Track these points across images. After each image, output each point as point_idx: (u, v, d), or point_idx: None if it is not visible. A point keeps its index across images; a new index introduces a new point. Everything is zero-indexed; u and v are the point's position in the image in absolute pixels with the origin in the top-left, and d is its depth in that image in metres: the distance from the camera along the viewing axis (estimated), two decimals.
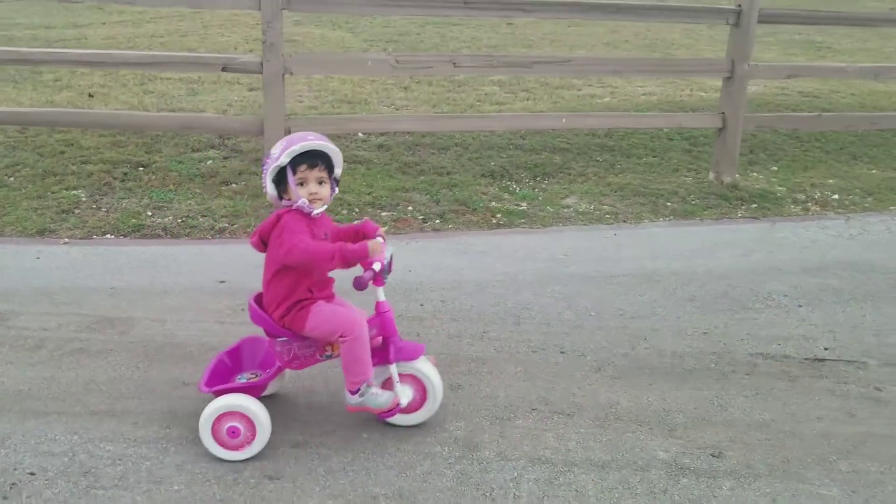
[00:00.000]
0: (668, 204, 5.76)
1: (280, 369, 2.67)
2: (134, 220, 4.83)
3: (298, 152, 2.48)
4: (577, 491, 2.46)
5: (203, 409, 2.52)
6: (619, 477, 2.54)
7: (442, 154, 6.40)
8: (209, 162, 5.81)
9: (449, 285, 4.06)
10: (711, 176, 6.18)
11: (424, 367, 2.70)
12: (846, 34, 14.12)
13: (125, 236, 4.68)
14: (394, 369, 2.64)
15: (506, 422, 2.81)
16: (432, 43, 11.17)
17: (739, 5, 5.67)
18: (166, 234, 4.74)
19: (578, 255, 4.63)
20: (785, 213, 5.77)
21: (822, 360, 3.41)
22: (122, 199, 5.15)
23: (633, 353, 3.41)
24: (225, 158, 5.91)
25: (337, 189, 2.63)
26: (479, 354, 3.34)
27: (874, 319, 3.86)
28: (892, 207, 6.01)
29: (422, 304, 3.85)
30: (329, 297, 2.64)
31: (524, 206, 5.55)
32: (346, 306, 2.67)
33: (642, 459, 2.63)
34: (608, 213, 5.51)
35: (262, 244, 2.58)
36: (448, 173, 6.01)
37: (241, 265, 4.22)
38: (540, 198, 5.73)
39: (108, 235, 4.68)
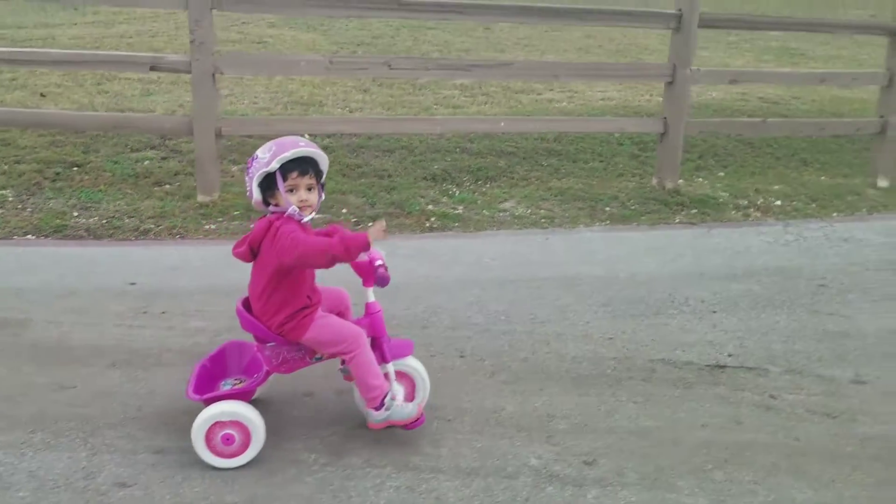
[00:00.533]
0: (607, 209, 5.73)
1: (268, 374, 2.62)
2: (58, 221, 4.78)
3: (289, 159, 2.43)
4: (436, 498, 2.42)
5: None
6: (483, 484, 2.50)
7: (386, 157, 6.37)
8: (146, 162, 5.76)
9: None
10: (654, 181, 6.15)
11: (413, 362, 2.75)
12: (823, 41, 14.14)
13: (47, 237, 4.63)
14: (391, 368, 2.63)
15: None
16: (405, 46, 11.13)
17: (680, 10, 5.65)
18: (89, 234, 4.69)
19: (504, 260, 4.60)
20: (725, 218, 5.75)
21: (723, 366, 3.38)
22: (50, 199, 5.10)
23: (532, 357, 3.37)
24: (163, 159, 5.86)
25: (324, 195, 2.59)
26: None
27: (786, 326, 3.83)
28: (834, 214, 6.00)
29: None
30: (320, 300, 2.62)
31: (460, 209, 5.52)
32: (329, 293, 2.66)
33: (512, 466, 2.60)
34: (544, 218, 5.48)
35: (251, 253, 2.52)
36: (389, 176, 5.97)
37: (155, 267, 4.18)
38: (478, 202, 5.70)
39: (30, 236, 4.63)
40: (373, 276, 2.54)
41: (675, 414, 2.99)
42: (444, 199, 5.68)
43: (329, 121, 5.94)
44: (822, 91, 9.93)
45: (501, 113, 7.71)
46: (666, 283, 4.32)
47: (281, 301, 2.49)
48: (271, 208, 2.52)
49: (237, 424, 2.47)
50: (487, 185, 6.03)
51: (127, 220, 4.87)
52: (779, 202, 6.13)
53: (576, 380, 3.21)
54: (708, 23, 5.76)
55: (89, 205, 5.04)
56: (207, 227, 4.87)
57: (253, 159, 2.48)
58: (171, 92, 7.77)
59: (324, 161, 2.55)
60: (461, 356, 3.38)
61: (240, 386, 2.65)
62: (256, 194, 2.50)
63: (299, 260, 2.42)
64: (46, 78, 8.07)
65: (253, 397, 2.72)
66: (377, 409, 2.54)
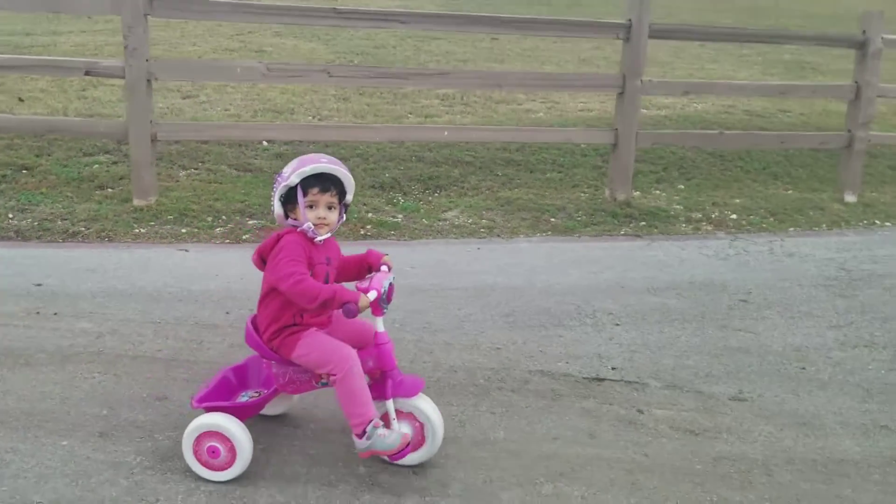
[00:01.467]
0: (552, 220, 5.67)
1: (276, 391, 2.61)
2: None
3: (309, 174, 2.43)
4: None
5: None
6: (300, 491, 2.47)
7: None
8: (95, 166, 5.84)
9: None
10: (607, 193, 6.08)
11: (423, 404, 2.58)
12: (841, 55, 13.84)
13: None
14: (390, 405, 2.51)
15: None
16: (404, 56, 11.11)
17: (629, 20, 5.59)
18: (17, 236, 4.77)
19: (426, 268, 4.57)
20: (673, 231, 5.66)
21: (602, 379, 3.31)
22: None
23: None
24: (113, 163, 5.94)
25: (345, 216, 2.57)
26: None
27: (687, 341, 3.74)
28: (790, 229, 5.88)
29: (227, 312, 3.82)
30: (324, 323, 2.57)
31: (400, 218, 5.51)
32: (353, 324, 2.60)
33: (337, 474, 2.56)
34: (484, 228, 5.44)
35: (262, 262, 2.53)
36: None
37: (69, 269, 4.23)
38: (422, 210, 5.68)
39: None
40: (379, 307, 2.47)
41: (531, 426, 2.93)
42: (388, 208, 5.67)
43: (265, 128, 5.94)
44: (817, 104, 9.76)
45: (475, 122, 7.69)
46: (580, 294, 4.25)
47: (272, 315, 2.49)
48: (289, 222, 2.51)
49: (222, 438, 2.44)
50: (436, 195, 6.01)
51: (59, 223, 4.94)
52: (734, 216, 6.01)
53: (443, 389, 3.16)
54: (658, 33, 5.69)
55: (26, 207, 5.12)
56: (137, 230, 4.92)
57: (279, 175, 2.48)
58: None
59: (348, 181, 2.51)
60: None
61: (250, 400, 2.62)
62: (278, 208, 2.50)
63: (291, 297, 2.41)
64: (34, 83, 8.26)
65: (273, 411, 2.75)
66: (359, 437, 2.44)
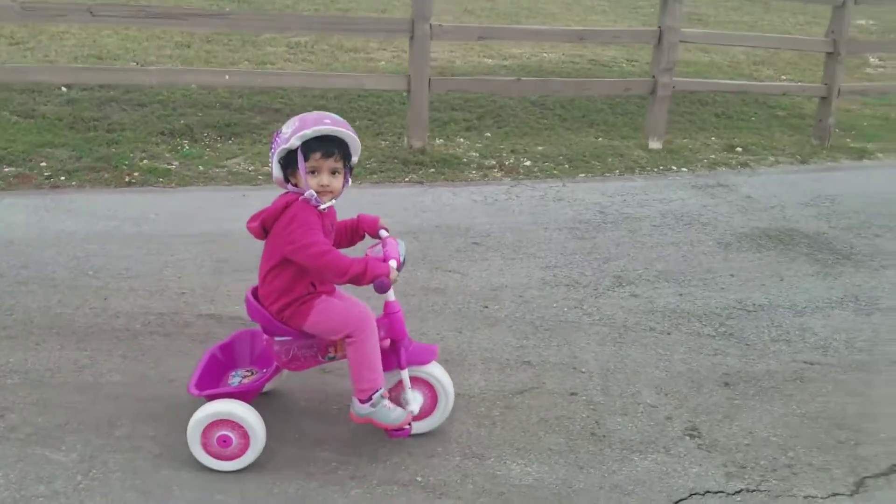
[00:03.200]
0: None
1: (277, 370, 2.45)
2: None
3: (311, 137, 2.22)
4: None
5: None
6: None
7: (135, 111, 6.20)
8: None
9: None
10: (406, 141, 6.03)
11: (436, 370, 2.50)
12: (734, 7, 13.89)
13: None
14: (405, 374, 2.42)
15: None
16: (284, 3, 10.56)
17: None
18: None
19: (169, 216, 4.48)
20: (460, 178, 5.64)
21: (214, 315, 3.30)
22: None
23: (67, 313, 3.27)
24: None
25: (350, 180, 2.37)
26: None
27: None
28: (581, 175, 5.91)
29: None
30: (330, 291, 2.42)
31: (175, 165, 5.38)
32: (351, 301, 2.45)
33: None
34: (262, 175, 5.35)
35: (263, 231, 2.32)
36: (122, 130, 5.82)
37: None
38: (204, 157, 5.56)
39: None
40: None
41: (135, 367, 2.91)
42: (167, 155, 5.54)
43: (28, 70, 5.69)
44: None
45: (312, 69, 7.54)
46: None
47: (283, 287, 2.31)
48: (290, 187, 2.32)
49: (234, 425, 2.30)
50: (229, 142, 5.90)
51: None
52: (528, 163, 6.02)
53: (85, 333, 3.11)
54: None
55: None
56: None
57: (277, 134, 2.28)
58: None
59: (354, 143, 2.30)
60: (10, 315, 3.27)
61: (249, 379, 2.48)
62: (276, 171, 2.30)
63: (315, 270, 2.26)
64: None
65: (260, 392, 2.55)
66: (362, 401, 2.34)
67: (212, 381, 2.45)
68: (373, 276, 2.22)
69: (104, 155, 5.35)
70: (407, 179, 5.54)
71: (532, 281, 3.88)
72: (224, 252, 3.98)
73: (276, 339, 2.35)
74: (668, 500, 2.38)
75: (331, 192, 2.29)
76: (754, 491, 2.43)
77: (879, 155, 6.98)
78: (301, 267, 2.27)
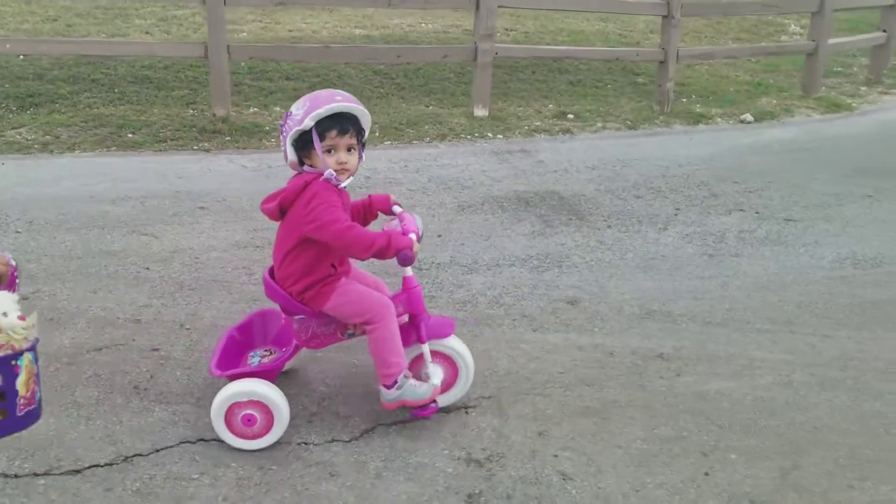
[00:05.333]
0: (130, 136, 5.55)
1: (297, 348, 2.42)
2: None
3: (324, 115, 2.18)
4: None
5: None
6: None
7: None
8: None
9: None
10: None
11: (456, 343, 2.48)
12: None
13: None
14: (426, 348, 2.40)
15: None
16: None
17: None
18: None
19: None
20: (258, 146, 5.60)
21: None
22: None
23: None
24: None
25: (364, 157, 2.33)
26: None
27: (86, 243, 3.71)
28: (388, 142, 5.83)
29: None
30: (348, 272, 2.40)
31: None
32: (366, 278, 2.45)
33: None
34: (39, 144, 5.30)
35: (280, 212, 2.29)
36: None
37: None
38: None
39: None
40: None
41: None
42: None
43: None
44: (560, 20, 9.74)
45: (168, 40, 7.49)
46: (41, 203, 4.18)
47: (304, 268, 2.28)
48: (306, 168, 2.29)
49: (258, 405, 2.27)
50: (27, 112, 5.84)
51: None
52: None
53: None
54: None
55: None
56: None
57: (287, 115, 2.24)
58: None
59: (365, 118, 2.27)
60: None
61: (268, 359, 2.45)
62: (291, 154, 2.26)
63: (340, 246, 2.24)
64: None
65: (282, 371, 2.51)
66: (388, 387, 2.33)
67: (232, 362, 2.43)
68: (397, 249, 2.22)
69: None
70: (195, 148, 5.48)
71: (220, 244, 3.82)
72: None
73: (296, 317, 2.32)
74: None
75: (347, 169, 2.26)
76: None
77: (718, 120, 6.86)
78: (322, 247, 2.25)
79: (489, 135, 6.11)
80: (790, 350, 2.99)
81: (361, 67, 7.21)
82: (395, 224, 2.34)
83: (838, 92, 8.09)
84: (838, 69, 9.19)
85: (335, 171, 2.23)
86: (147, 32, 8.08)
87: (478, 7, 6.22)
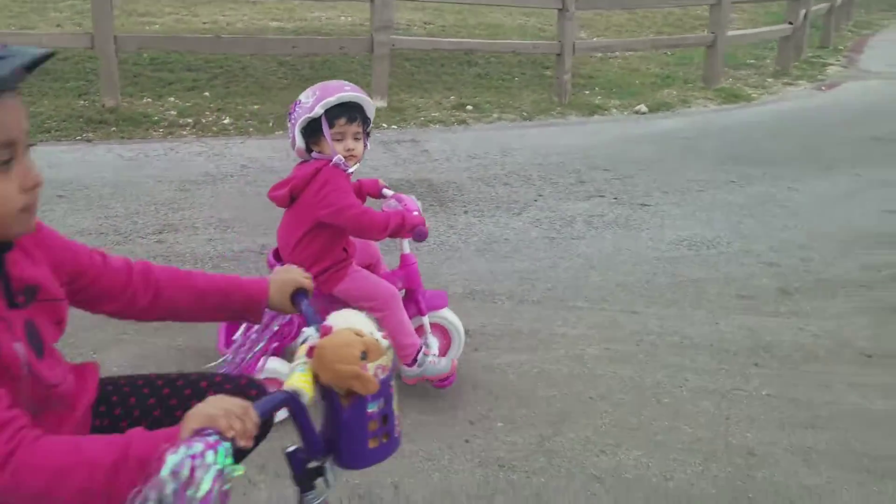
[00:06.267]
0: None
1: (299, 329, 2.37)
2: None
3: (334, 104, 2.25)
4: None
5: None
6: None
7: None
8: None
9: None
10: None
11: (449, 314, 2.63)
12: None
13: None
14: (426, 320, 2.53)
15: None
16: None
17: None
18: None
19: None
20: (137, 136, 5.60)
21: None
22: None
23: None
24: None
25: (369, 145, 2.39)
26: None
27: None
28: (280, 132, 5.85)
29: None
30: (354, 254, 2.47)
31: None
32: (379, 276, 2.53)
33: None
34: None
35: (290, 198, 2.35)
36: None
37: None
38: None
39: None
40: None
41: None
42: None
43: None
44: (482, 13, 9.83)
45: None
46: None
47: (317, 253, 2.34)
48: (314, 155, 2.35)
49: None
50: None
51: None
52: (228, 121, 5.95)
53: None
54: None
55: None
56: None
57: (296, 104, 2.30)
58: None
59: (370, 107, 2.34)
60: None
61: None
62: (299, 141, 2.33)
63: (356, 229, 2.35)
64: None
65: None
66: (409, 365, 2.44)
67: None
68: (412, 226, 2.36)
69: None
70: (78, 138, 5.48)
71: (67, 230, 3.83)
72: None
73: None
74: None
75: (355, 156, 2.34)
76: None
77: (614, 111, 6.99)
78: (335, 231, 2.34)
79: (384, 125, 6.16)
80: (593, 326, 3.09)
81: (267, 59, 7.24)
82: (392, 205, 2.46)
83: (744, 83, 8.28)
84: (751, 61, 9.40)
85: (343, 157, 2.32)
86: (58, 25, 8.04)
87: (372, 0, 6.27)
